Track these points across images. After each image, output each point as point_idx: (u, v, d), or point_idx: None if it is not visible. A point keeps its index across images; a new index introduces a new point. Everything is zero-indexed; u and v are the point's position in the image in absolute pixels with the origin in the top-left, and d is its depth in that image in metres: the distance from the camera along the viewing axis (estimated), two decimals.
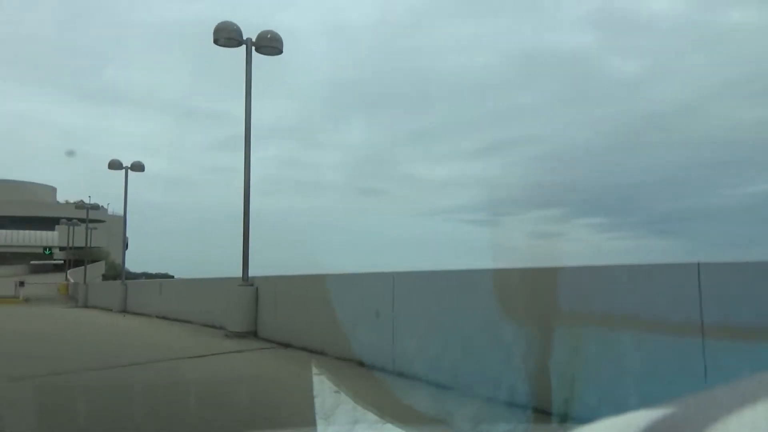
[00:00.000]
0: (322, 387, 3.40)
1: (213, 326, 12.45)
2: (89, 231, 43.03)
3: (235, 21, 11.57)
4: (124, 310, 22.18)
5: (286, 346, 9.08)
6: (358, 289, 7.67)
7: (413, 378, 6.00)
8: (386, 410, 2.89)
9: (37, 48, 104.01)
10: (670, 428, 0.51)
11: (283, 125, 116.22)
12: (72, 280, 46.42)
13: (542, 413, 4.39)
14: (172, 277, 51.19)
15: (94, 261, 51.48)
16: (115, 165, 22.85)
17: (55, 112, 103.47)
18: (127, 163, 23.16)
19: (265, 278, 10.77)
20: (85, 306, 31.18)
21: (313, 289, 8.88)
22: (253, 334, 10.40)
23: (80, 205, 33.85)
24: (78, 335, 12.65)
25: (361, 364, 6.85)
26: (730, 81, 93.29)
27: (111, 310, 23.35)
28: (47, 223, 44.62)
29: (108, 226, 65.48)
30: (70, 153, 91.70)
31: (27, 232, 36.75)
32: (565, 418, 4.03)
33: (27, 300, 36.14)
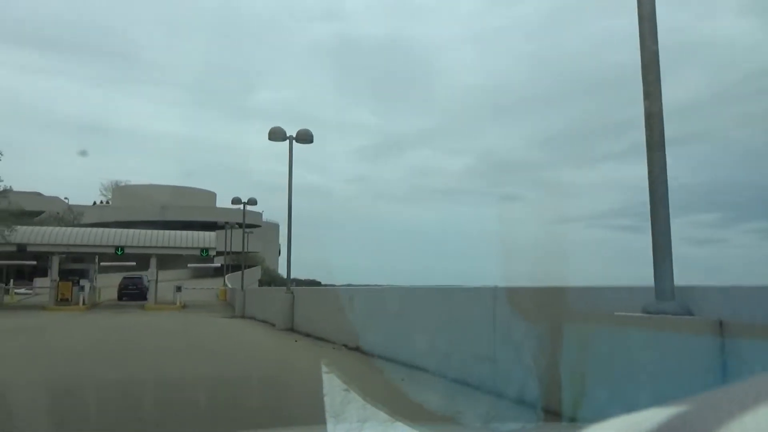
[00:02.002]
0: None
1: (499, 394, 5.54)
2: (245, 235, 39.85)
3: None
4: (291, 328, 16.50)
5: None
6: None
7: None
8: None
9: (194, 72, 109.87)
10: (683, 427, 0.49)
11: (420, 133, 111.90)
12: (230, 286, 43.68)
13: None
14: (320, 283, 47.06)
15: (250, 266, 48.90)
16: (277, 135, 17.43)
17: (211, 130, 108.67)
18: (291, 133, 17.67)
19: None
20: (242, 316, 26.72)
21: None
22: None
23: (236, 200, 29.86)
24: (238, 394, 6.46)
25: None
26: None
27: (274, 325, 17.92)
28: (208, 227, 42.47)
29: (263, 232, 63.90)
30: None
31: (184, 233, 33.71)
32: None
33: (184, 306, 33.03)
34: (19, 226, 30.63)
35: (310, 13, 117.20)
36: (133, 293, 36.40)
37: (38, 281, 43.28)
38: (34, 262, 39.42)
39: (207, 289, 45.92)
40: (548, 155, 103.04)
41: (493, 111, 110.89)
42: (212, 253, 34.14)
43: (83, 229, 35.87)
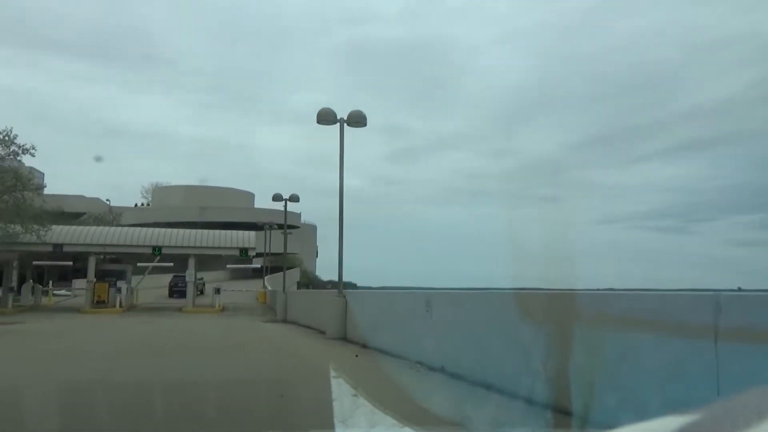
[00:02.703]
0: None
1: None
2: (286, 235, 38.19)
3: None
4: (344, 337, 14.44)
5: None
6: None
7: None
8: None
9: (237, 78, 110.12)
10: None
11: (455, 136, 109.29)
12: (270, 288, 42.10)
13: None
14: (356, 286, 44.86)
15: (289, 268, 47.33)
16: (326, 117, 15.42)
17: (248, 133, 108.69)
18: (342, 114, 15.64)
19: None
20: (284, 320, 24.87)
21: None
22: None
23: (277, 197, 28.09)
24: None
25: None
26: None
27: (323, 333, 15.89)
28: (247, 228, 41.08)
29: (301, 233, 62.33)
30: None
31: (223, 232, 32.16)
32: None
33: (223, 309, 31.46)
34: (55, 226, 29.54)
35: (342, 16, 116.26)
36: (182, 290, 38.33)
37: (77, 282, 42.58)
38: (71, 263, 38.61)
39: (246, 291, 44.46)
40: (586, 156, 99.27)
41: (528, 112, 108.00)
42: (252, 253, 32.50)
43: (119, 228, 34.73)
